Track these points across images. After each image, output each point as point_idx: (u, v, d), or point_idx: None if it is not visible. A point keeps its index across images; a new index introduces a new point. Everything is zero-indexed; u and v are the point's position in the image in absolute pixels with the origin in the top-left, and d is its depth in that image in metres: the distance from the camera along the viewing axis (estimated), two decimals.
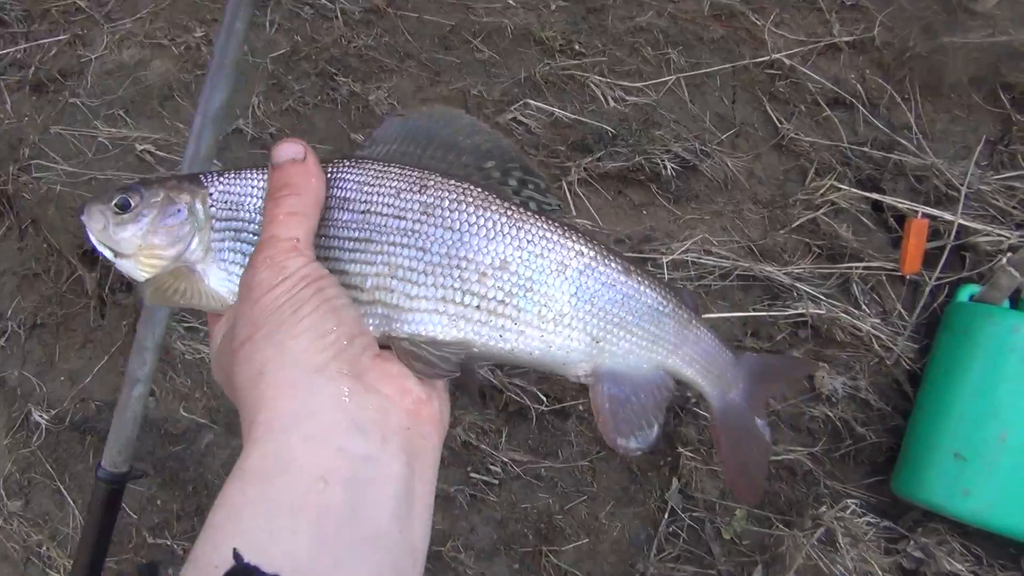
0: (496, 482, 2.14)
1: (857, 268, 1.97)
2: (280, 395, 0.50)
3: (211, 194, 0.61)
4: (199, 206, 0.60)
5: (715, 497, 2.08)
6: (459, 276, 0.59)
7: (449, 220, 0.59)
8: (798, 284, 1.96)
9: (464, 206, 0.60)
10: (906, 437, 1.98)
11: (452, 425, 2.17)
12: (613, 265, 0.64)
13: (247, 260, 0.57)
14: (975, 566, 1.92)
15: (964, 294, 1.96)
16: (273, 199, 0.57)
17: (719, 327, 2.01)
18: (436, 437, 0.56)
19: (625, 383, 0.64)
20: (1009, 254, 1.93)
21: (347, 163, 0.62)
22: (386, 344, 0.59)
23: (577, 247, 0.63)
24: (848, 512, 1.88)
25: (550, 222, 0.63)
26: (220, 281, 0.61)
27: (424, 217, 0.59)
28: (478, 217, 0.60)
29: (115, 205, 0.60)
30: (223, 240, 0.60)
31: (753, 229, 2.03)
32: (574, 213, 2.05)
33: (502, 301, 0.60)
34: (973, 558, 1.93)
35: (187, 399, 2.19)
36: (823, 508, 1.88)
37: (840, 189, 1.97)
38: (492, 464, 2.14)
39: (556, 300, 0.61)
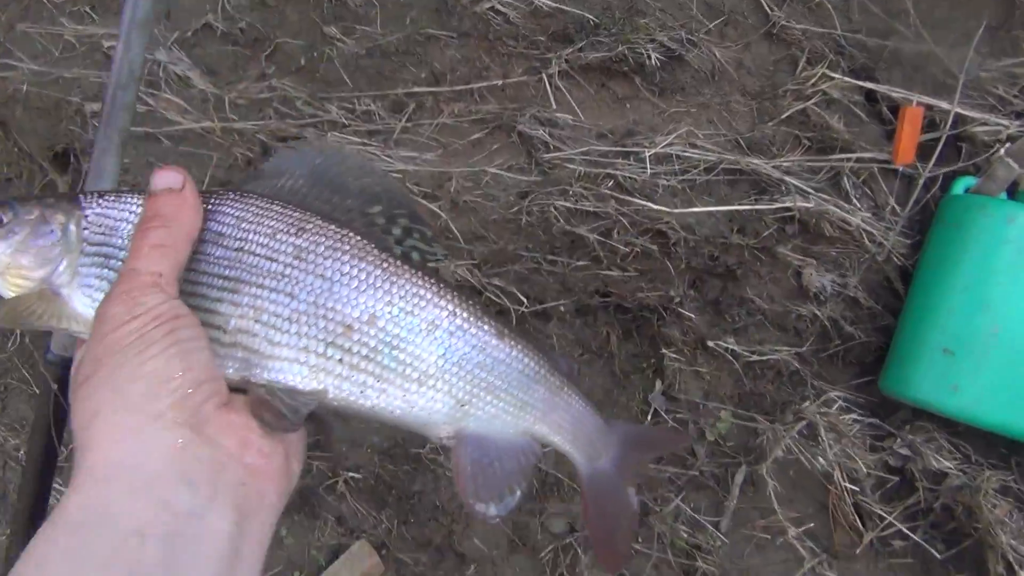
0: None
1: (848, 161, 1.89)
2: (110, 441, 0.49)
3: (87, 216, 0.58)
4: (72, 228, 0.58)
5: (699, 398, 2.04)
6: (324, 327, 0.58)
7: (321, 267, 0.58)
8: (786, 178, 1.89)
9: (338, 254, 0.59)
10: (895, 334, 1.92)
11: None
12: (485, 328, 0.62)
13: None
14: (963, 464, 1.87)
15: (959, 186, 1.89)
16: (142, 230, 0.55)
17: (703, 222, 1.95)
18: (275, 495, 0.55)
19: (489, 448, 0.62)
20: (1008, 144, 1.85)
21: (230, 196, 0.60)
22: (244, 388, 0.58)
23: (450, 307, 0.62)
24: (834, 408, 1.83)
25: (425, 278, 0.61)
26: (85, 307, 0.58)
27: (296, 262, 0.58)
28: (351, 267, 0.59)
29: None
30: (91, 266, 0.58)
31: (741, 122, 1.95)
32: (555, 107, 1.97)
33: (366, 357, 0.59)
34: (961, 456, 1.89)
35: None
36: (806, 404, 1.83)
37: (832, 78, 1.88)
38: None
39: (422, 360, 0.60)
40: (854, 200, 1.92)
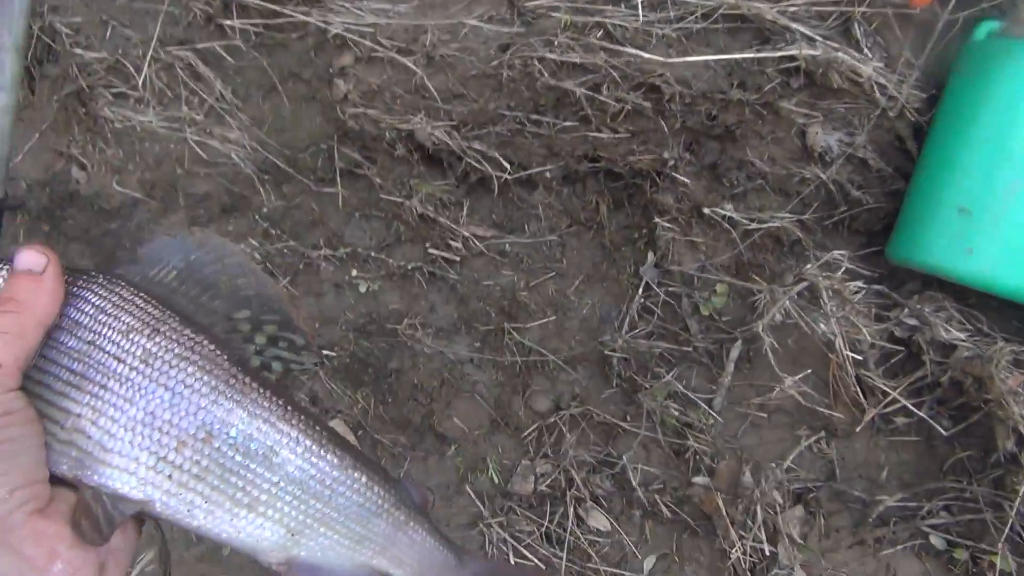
0: (457, 259, 1.97)
1: (860, 5, 1.72)
2: None
3: None
4: None
5: (694, 270, 1.90)
6: (157, 439, 0.55)
7: (166, 376, 0.55)
8: (792, 24, 1.72)
9: (185, 363, 0.56)
10: (906, 195, 1.78)
11: (406, 196, 1.99)
12: (328, 457, 0.60)
13: None
14: (974, 336, 1.74)
15: (982, 31, 1.71)
16: None
17: (700, 75, 1.79)
18: None
19: None
20: None
21: (97, 281, 0.57)
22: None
23: (293, 433, 0.59)
24: (839, 273, 1.70)
25: (273, 399, 0.58)
26: None
27: (142, 366, 0.55)
28: (196, 379, 0.56)
29: None
30: None
31: None
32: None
33: (196, 476, 0.56)
34: (972, 328, 1.76)
35: (120, 172, 2.02)
36: (808, 266, 1.70)
37: None
38: (452, 239, 1.97)
39: (255, 486, 0.57)
40: (865, 49, 1.75)
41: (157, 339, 0.56)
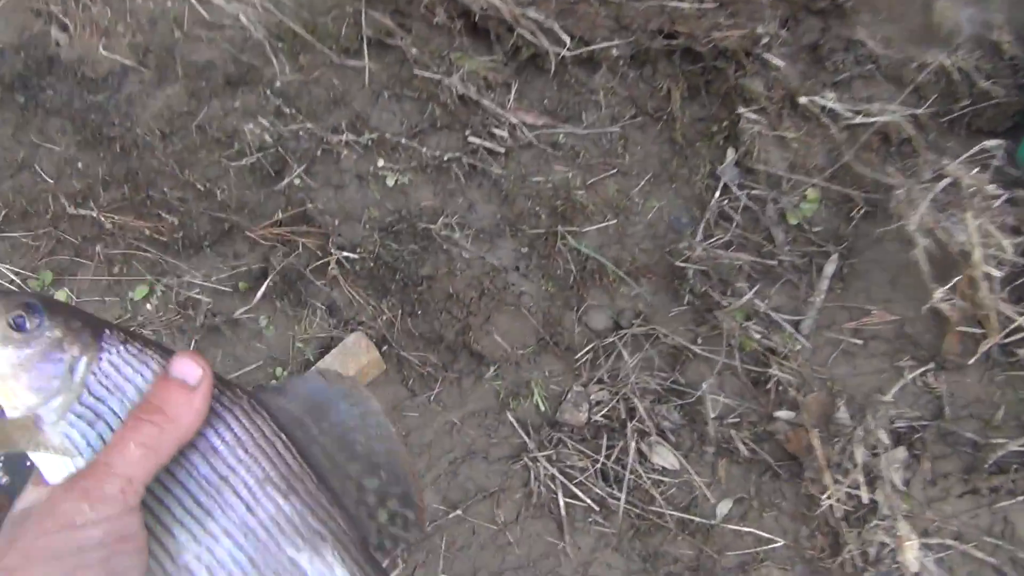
0: (502, 150, 1.68)
1: None
2: None
3: (100, 360, 0.54)
4: (81, 368, 0.53)
5: (782, 170, 1.61)
6: None
7: (294, 546, 0.53)
8: None
9: (319, 540, 0.54)
10: None
11: (445, 72, 1.69)
12: None
13: (93, 447, 0.52)
14: None
15: None
16: (135, 418, 0.51)
17: None
18: None
19: None
20: None
21: (241, 404, 0.55)
22: None
23: None
24: (985, 172, 1.41)
25: None
26: (61, 446, 0.52)
27: (274, 528, 0.53)
28: (324, 560, 0.53)
29: (11, 319, 0.53)
30: (80, 418, 0.52)
31: None
32: None
33: None
34: None
35: (108, 35, 1.71)
36: (945, 160, 1.41)
37: None
38: (497, 127, 1.67)
39: None
40: None
41: (292, 500, 0.54)
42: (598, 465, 1.55)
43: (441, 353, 1.68)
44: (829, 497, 1.45)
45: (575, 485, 1.55)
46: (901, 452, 1.49)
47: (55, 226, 1.74)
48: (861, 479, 1.44)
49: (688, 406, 1.57)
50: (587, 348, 1.62)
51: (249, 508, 0.52)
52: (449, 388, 1.66)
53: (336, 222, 1.69)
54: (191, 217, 1.71)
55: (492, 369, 1.65)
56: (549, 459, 1.57)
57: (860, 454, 1.44)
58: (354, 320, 1.67)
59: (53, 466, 0.53)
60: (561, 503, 1.54)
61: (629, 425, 1.55)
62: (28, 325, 0.53)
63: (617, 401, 1.57)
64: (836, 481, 1.44)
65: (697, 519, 1.51)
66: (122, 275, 1.73)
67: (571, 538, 1.54)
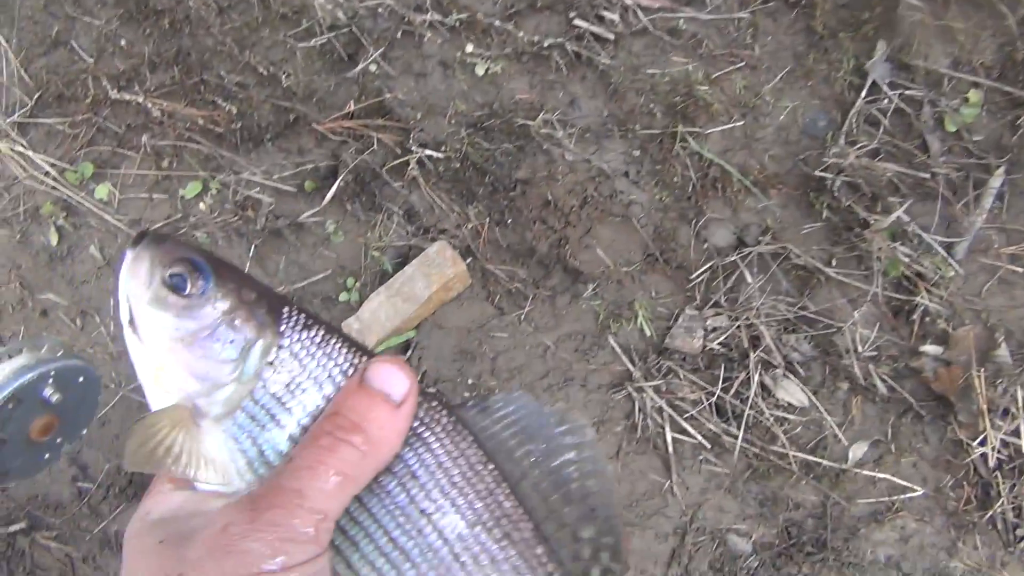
0: (611, 36, 1.45)
1: None
2: None
3: (280, 347, 0.44)
4: (257, 352, 0.43)
5: (944, 67, 1.38)
6: None
7: None
8: None
9: None
10: None
11: None
12: None
13: (265, 455, 0.43)
14: None
15: None
16: (331, 436, 0.41)
17: None
18: None
19: None
20: None
21: (441, 421, 0.46)
22: None
23: None
24: None
25: None
26: (219, 456, 0.43)
27: (475, 567, 0.44)
28: None
29: (168, 275, 0.43)
30: (251, 418, 0.43)
31: None
32: None
33: None
34: None
35: None
36: None
37: None
38: (607, 8, 1.44)
39: None
40: None
41: (508, 551, 0.44)
42: (713, 398, 1.38)
43: (533, 267, 1.49)
44: (983, 443, 1.28)
45: (685, 419, 1.38)
46: None
47: (95, 112, 1.54)
48: (1021, 426, 1.26)
49: (820, 336, 1.38)
50: (704, 267, 1.42)
51: (456, 556, 0.43)
52: (541, 307, 1.48)
53: (417, 115, 1.47)
54: (251, 106, 1.50)
55: (590, 287, 1.46)
56: (656, 390, 1.39)
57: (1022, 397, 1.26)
58: (435, 228, 1.48)
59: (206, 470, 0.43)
60: (668, 438, 1.37)
61: (752, 355, 1.37)
62: (190, 287, 0.43)
63: (738, 328, 1.39)
64: (995, 426, 1.26)
65: (825, 462, 1.34)
66: (171, 170, 1.53)
67: (679, 477, 1.37)
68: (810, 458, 1.34)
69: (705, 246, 1.44)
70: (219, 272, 0.44)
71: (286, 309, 0.45)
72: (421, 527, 0.43)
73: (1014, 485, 1.28)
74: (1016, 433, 1.27)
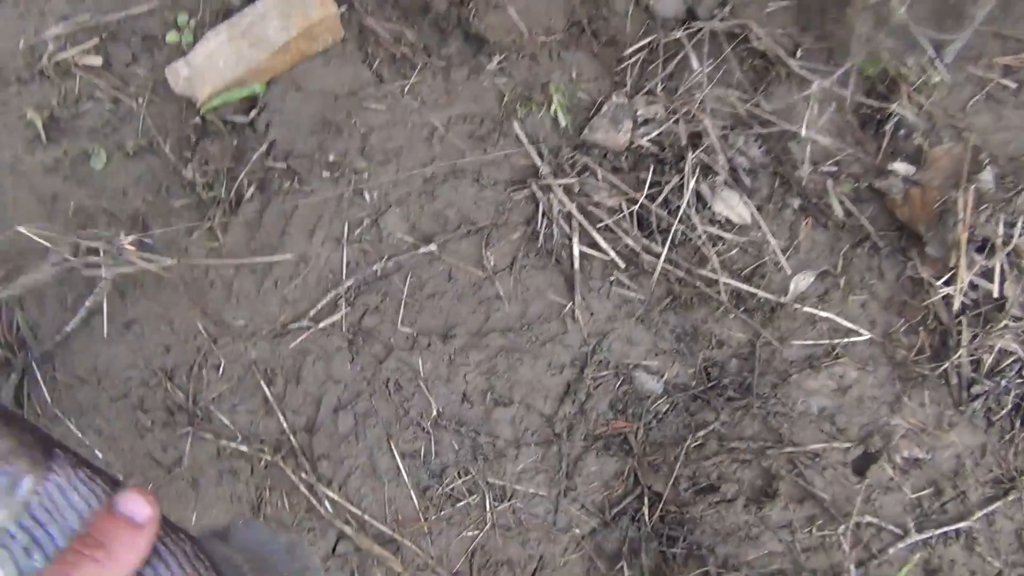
0: None
1: None
2: None
3: (47, 483, 0.45)
4: (24, 488, 0.45)
5: None
6: None
7: None
8: None
9: None
10: None
11: None
12: None
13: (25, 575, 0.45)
14: None
15: None
16: (76, 552, 0.44)
17: None
18: None
19: None
20: None
21: (184, 549, 0.47)
22: None
23: None
24: None
25: None
26: None
27: None
28: None
29: None
30: (15, 539, 0.44)
31: None
32: None
33: None
34: None
35: None
36: None
37: None
38: None
39: None
40: None
41: None
42: (635, 206, 1.10)
43: (424, 29, 1.16)
44: (950, 282, 1.05)
45: (598, 230, 1.10)
46: None
47: None
48: (1001, 265, 1.04)
49: (773, 141, 1.11)
50: (640, 44, 1.12)
51: None
52: (431, 79, 1.16)
53: None
54: None
55: (495, 60, 1.15)
56: (567, 190, 1.11)
57: (1002, 230, 1.03)
58: None
59: None
60: (576, 251, 1.10)
61: (689, 156, 1.09)
62: None
63: (675, 122, 1.10)
64: (971, 263, 1.04)
65: (761, 293, 1.09)
66: None
67: (583, 299, 1.10)
68: (744, 287, 1.09)
69: (646, 18, 1.13)
70: (5, 419, 0.44)
71: (59, 451, 0.45)
72: None
73: (976, 335, 1.06)
74: (988, 275, 1.05)
